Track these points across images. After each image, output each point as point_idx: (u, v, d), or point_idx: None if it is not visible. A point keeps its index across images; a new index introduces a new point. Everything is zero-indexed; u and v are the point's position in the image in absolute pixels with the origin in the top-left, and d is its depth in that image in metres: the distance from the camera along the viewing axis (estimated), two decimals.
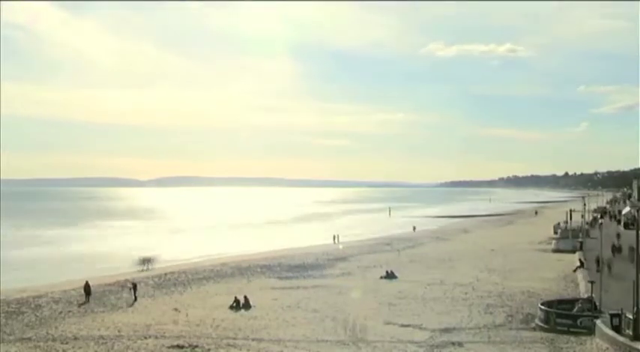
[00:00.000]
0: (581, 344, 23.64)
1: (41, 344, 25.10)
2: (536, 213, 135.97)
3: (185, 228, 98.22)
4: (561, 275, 42.61)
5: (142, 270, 49.57)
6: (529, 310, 29.97)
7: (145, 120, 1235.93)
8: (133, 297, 35.85)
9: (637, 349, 21.11)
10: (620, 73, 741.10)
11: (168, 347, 24.21)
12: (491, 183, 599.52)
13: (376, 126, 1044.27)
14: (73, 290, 37.87)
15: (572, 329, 25.50)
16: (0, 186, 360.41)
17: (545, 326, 26.45)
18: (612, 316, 23.51)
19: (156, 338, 25.83)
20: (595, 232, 61.77)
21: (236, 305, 32.51)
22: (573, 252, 52.47)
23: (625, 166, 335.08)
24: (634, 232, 26.09)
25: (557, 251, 57.44)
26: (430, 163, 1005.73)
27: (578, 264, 43.94)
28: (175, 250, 64.75)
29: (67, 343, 25.19)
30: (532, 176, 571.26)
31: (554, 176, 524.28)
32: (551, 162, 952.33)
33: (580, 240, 56.96)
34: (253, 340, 25.23)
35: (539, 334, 25.69)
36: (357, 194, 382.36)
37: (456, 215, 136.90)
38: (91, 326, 28.57)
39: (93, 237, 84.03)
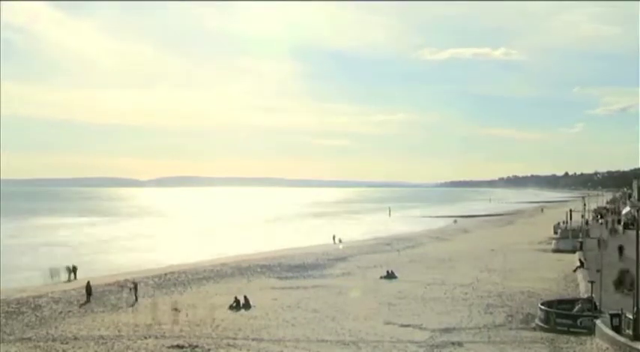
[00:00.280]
0: (581, 344, 23.64)
1: (41, 344, 25.11)
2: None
3: (185, 228, 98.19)
4: (561, 275, 42.62)
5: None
6: (529, 310, 29.97)
7: (145, 120, 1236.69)
8: (134, 297, 35.87)
9: (637, 349, 21.10)
10: (617, 74, 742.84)
11: (169, 347, 24.21)
12: (491, 183, 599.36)
13: (376, 126, 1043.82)
14: (73, 290, 37.88)
15: (572, 329, 25.49)
16: (0, 186, 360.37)
17: (545, 326, 26.45)
18: (612, 316, 23.51)
19: (156, 338, 25.84)
20: (595, 232, 61.90)
21: (236, 305, 32.52)
22: (573, 252, 52.47)
23: (625, 166, 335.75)
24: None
25: (557, 251, 57.47)
26: (430, 163, 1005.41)
27: (578, 263, 43.97)
28: (175, 250, 64.79)
29: (67, 343, 25.20)
30: (532, 176, 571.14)
31: (554, 176, 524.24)
32: (551, 162, 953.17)
33: (580, 240, 56.97)
34: (253, 340, 25.23)
35: (539, 334, 25.69)
36: (357, 194, 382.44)
37: (455, 215, 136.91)
38: (91, 326, 28.59)
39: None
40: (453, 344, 24.08)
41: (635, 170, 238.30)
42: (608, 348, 22.49)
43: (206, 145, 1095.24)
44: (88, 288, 36.03)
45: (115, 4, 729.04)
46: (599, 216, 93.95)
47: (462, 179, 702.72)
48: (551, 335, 25.20)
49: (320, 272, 47.31)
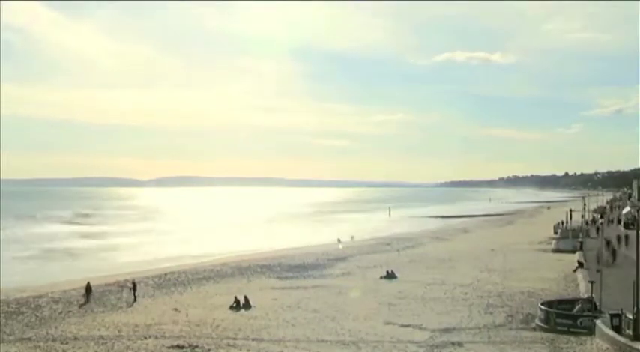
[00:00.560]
0: (581, 344, 23.65)
1: (41, 344, 25.10)
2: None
3: (185, 228, 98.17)
4: (561, 275, 42.61)
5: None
6: (529, 310, 29.97)
7: (145, 120, 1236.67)
8: (133, 297, 35.86)
9: (637, 349, 21.11)
10: (615, 75, 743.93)
11: (169, 347, 24.22)
12: (491, 183, 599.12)
13: (376, 126, 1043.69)
14: (73, 290, 37.86)
15: (572, 329, 25.50)
16: (0, 186, 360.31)
17: (545, 326, 26.46)
18: (612, 316, 23.51)
19: (156, 338, 25.84)
20: (595, 232, 61.97)
21: (236, 305, 32.52)
22: (573, 252, 52.48)
23: (625, 166, 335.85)
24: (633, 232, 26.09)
25: (557, 251, 57.46)
26: (430, 163, 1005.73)
27: (577, 264, 43.95)
28: (175, 250, 64.82)
29: (67, 343, 25.19)
30: (532, 176, 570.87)
31: (554, 176, 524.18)
32: (551, 162, 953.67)
33: (580, 240, 56.98)
34: (253, 340, 25.23)
35: (539, 334, 25.70)
36: (356, 194, 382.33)
37: (456, 215, 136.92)
38: (91, 326, 28.58)
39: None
40: (453, 344, 24.08)
41: (635, 170, 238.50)
42: (608, 348, 22.50)
43: (206, 145, 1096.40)
44: (88, 288, 36.00)
45: (114, 5, 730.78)
46: (599, 216, 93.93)
47: (461, 179, 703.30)
48: (551, 335, 25.20)
49: (320, 272, 47.30)
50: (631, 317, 22.46)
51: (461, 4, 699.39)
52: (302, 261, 53.12)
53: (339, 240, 71.79)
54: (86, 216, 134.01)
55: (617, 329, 22.98)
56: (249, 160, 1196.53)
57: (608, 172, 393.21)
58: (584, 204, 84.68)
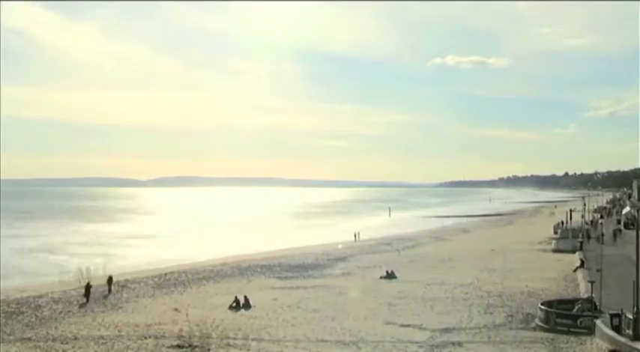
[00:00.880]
0: (581, 344, 23.65)
1: (41, 344, 25.07)
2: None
3: (185, 228, 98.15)
4: (561, 275, 42.61)
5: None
6: (529, 310, 29.96)
7: (145, 120, 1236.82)
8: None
9: (637, 349, 21.11)
10: (613, 75, 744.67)
11: (168, 347, 24.21)
12: (491, 183, 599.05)
13: (376, 127, 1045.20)
14: (73, 290, 37.85)
15: (572, 329, 25.49)
16: (0, 186, 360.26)
17: (545, 326, 26.45)
18: (612, 316, 23.51)
19: (156, 338, 25.83)
20: (595, 232, 61.92)
21: (236, 305, 32.51)
22: (573, 252, 52.49)
23: (625, 166, 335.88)
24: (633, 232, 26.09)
25: (557, 251, 57.44)
26: (430, 163, 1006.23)
27: (579, 263, 43.95)
28: (175, 250, 64.84)
29: (67, 343, 25.17)
30: (532, 176, 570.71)
31: (554, 176, 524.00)
32: (551, 162, 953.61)
33: (580, 240, 56.97)
34: (253, 340, 25.22)
35: (539, 334, 25.69)
36: (357, 194, 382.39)
37: (456, 215, 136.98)
38: (91, 326, 28.56)
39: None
40: (453, 344, 24.07)
41: (635, 170, 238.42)
42: (608, 348, 22.48)
43: (206, 145, 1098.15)
44: (88, 289, 35.98)
45: (114, 5, 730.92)
46: (600, 216, 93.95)
47: (461, 179, 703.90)
48: (551, 335, 25.19)
49: (320, 272, 47.30)
50: (631, 317, 22.46)
51: (459, 7, 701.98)
52: (302, 261, 53.11)
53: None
54: (85, 216, 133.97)
55: (617, 329, 22.98)
56: (248, 160, 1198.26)
57: (608, 172, 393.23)
58: (584, 204, 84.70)
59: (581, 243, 55.20)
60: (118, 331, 27.29)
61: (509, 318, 28.89)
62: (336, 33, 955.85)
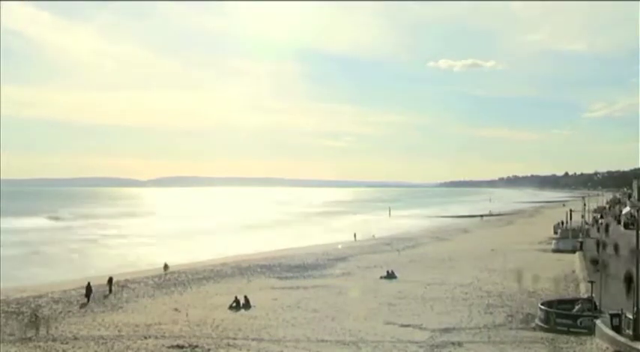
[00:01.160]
0: (581, 344, 23.65)
1: (41, 344, 25.08)
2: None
3: (185, 228, 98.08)
4: (561, 275, 42.59)
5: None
6: (529, 310, 29.98)
7: (145, 120, 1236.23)
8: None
9: (637, 349, 21.11)
10: (612, 76, 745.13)
11: (169, 347, 24.20)
12: (491, 183, 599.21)
13: (376, 127, 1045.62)
14: (73, 290, 37.83)
15: (572, 329, 25.50)
16: (0, 186, 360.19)
17: (545, 326, 26.46)
18: (612, 316, 23.51)
19: (156, 338, 25.83)
20: (595, 232, 61.95)
21: (236, 305, 32.52)
22: (573, 252, 52.49)
23: (625, 166, 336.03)
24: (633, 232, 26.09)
25: (557, 251, 57.46)
26: (430, 163, 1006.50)
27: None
28: (176, 250, 64.82)
29: (67, 343, 25.17)
30: (532, 176, 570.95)
31: (554, 176, 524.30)
32: (552, 162, 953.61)
33: (580, 240, 56.97)
34: (253, 340, 25.23)
35: (539, 334, 25.70)
36: (356, 194, 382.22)
37: (455, 215, 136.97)
38: (91, 326, 28.56)
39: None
40: (453, 344, 24.08)
41: (635, 170, 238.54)
42: (608, 348, 22.48)
43: (206, 145, 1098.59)
44: (89, 289, 35.97)
45: (114, 5, 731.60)
46: (599, 216, 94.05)
47: (462, 179, 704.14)
48: (551, 335, 25.20)
49: (320, 272, 47.30)
50: (631, 317, 22.45)
51: (458, 8, 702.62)
52: (302, 261, 53.11)
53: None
54: (85, 216, 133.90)
55: (617, 329, 22.98)
56: (248, 160, 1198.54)
57: (608, 172, 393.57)
58: (584, 204, 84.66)
59: (581, 243, 55.20)
60: (118, 331, 27.29)
61: (509, 318, 28.90)
62: (335, 33, 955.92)
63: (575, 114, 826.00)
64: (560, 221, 78.57)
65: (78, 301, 34.89)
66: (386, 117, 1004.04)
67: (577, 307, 27.49)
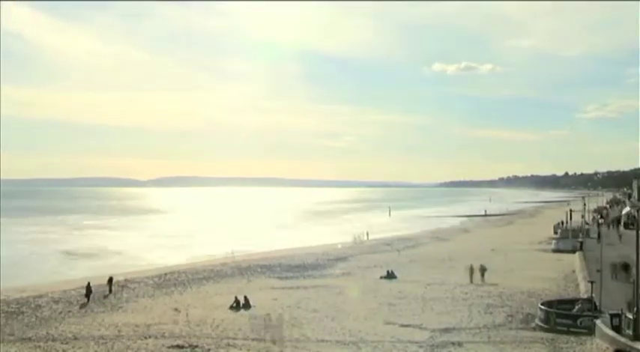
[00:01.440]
0: (581, 344, 23.64)
1: (41, 344, 25.05)
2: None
3: (185, 228, 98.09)
4: (561, 275, 42.60)
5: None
6: (529, 310, 29.96)
7: (145, 120, 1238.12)
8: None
9: (637, 349, 21.10)
10: (610, 76, 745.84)
11: (169, 347, 24.18)
12: (491, 183, 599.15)
13: (376, 127, 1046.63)
14: (73, 290, 37.82)
15: (572, 329, 25.49)
16: (0, 186, 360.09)
17: (545, 326, 26.45)
18: (612, 316, 23.50)
19: (156, 338, 25.81)
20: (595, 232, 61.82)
21: (236, 305, 32.50)
22: (573, 252, 52.46)
23: (625, 166, 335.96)
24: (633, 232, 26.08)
25: (557, 251, 57.44)
26: (430, 163, 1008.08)
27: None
28: (175, 250, 64.84)
29: (67, 343, 25.15)
30: (532, 176, 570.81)
31: (554, 176, 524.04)
32: (552, 162, 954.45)
33: (580, 240, 56.94)
34: (253, 340, 25.21)
35: (539, 334, 25.69)
36: (357, 194, 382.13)
37: (455, 215, 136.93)
38: (91, 326, 28.53)
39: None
40: (453, 344, 24.07)
41: (635, 170, 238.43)
42: (608, 348, 22.48)
43: (206, 145, 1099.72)
44: (89, 289, 35.96)
45: (113, 5, 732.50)
46: (599, 216, 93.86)
47: (462, 179, 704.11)
48: (551, 335, 25.19)
49: (320, 272, 47.27)
50: (631, 317, 22.45)
51: (455, 11, 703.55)
52: (302, 261, 53.08)
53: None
54: (86, 216, 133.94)
55: (617, 329, 22.97)
56: (248, 160, 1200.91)
57: (608, 172, 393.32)
58: (584, 204, 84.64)
59: (582, 243, 55.16)
60: (118, 331, 27.27)
61: (509, 318, 28.89)
62: (335, 34, 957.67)
63: (575, 115, 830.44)
64: (560, 221, 78.53)
65: (78, 301, 34.87)
66: (386, 118, 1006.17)
67: (577, 307, 27.49)
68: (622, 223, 73.37)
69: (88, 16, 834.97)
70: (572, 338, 24.58)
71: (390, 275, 42.91)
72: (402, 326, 27.47)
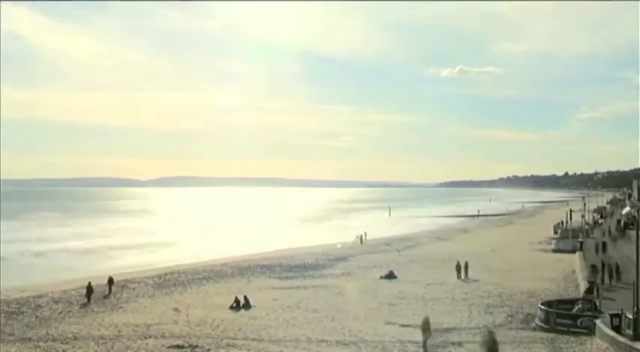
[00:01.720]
0: (581, 344, 23.62)
1: (41, 344, 25.04)
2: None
3: (185, 228, 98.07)
4: (561, 275, 42.61)
5: None
6: (529, 310, 29.96)
7: (145, 121, 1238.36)
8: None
9: (637, 349, 21.08)
10: (615, 75, 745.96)
11: (169, 347, 24.17)
12: (491, 183, 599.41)
13: (376, 127, 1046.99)
14: (73, 290, 37.83)
15: (572, 329, 25.48)
16: (0, 186, 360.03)
17: (545, 326, 26.44)
18: (612, 316, 23.48)
19: (156, 338, 25.80)
20: (595, 232, 61.89)
21: (236, 305, 32.50)
22: (573, 252, 52.46)
23: (625, 166, 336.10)
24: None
25: (557, 251, 57.46)
26: (430, 163, 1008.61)
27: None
28: (176, 250, 64.83)
29: (67, 343, 25.14)
30: (532, 176, 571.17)
31: (554, 176, 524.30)
32: (552, 162, 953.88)
33: (580, 240, 56.95)
34: (253, 340, 25.20)
35: (539, 334, 25.68)
36: (356, 194, 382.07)
37: (455, 215, 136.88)
38: (91, 326, 28.53)
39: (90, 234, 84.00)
40: (453, 344, 24.06)
41: (635, 170, 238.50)
42: (608, 348, 22.46)
43: (206, 145, 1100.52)
44: (89, 289, 35.93)
45: (112, 7, 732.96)
46: (599, 216, 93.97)
47: (462, 179, 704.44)
48: (551, 335, 25.18)
49: (320, 272, 47.27)
50: (631, 317, 22.43)
51: (458, 9, 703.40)
52: (302, 261, 53.09)
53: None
54: (86, 216, 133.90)
55: (617, 329, 22.95)
56: (248, 160, 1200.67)
57: (608, 172, 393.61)
58: (584, 204, 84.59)
59: (581, 243, 55.19)
60: (118, 331, 27.26)
61: (509, 318, 28.89)
62: (334, 35, 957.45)
63: (575, 115, 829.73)
64: (560, 221, 78.53)
65: (78, 301, 34.87)
66: (386, 117, 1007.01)
67: (577, 307, 27.48)
68: (622, 223, 73.35)
69: (88, 17, 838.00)
70: (572, 338, 24.56)
71: (390, 275, 42.90)
72: (402, 326, 27.45)
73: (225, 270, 47.75)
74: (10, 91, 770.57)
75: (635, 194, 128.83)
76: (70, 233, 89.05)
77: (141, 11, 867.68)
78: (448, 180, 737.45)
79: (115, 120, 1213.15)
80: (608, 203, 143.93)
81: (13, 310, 32.17)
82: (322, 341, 24.91)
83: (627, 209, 74.77)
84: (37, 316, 31.00)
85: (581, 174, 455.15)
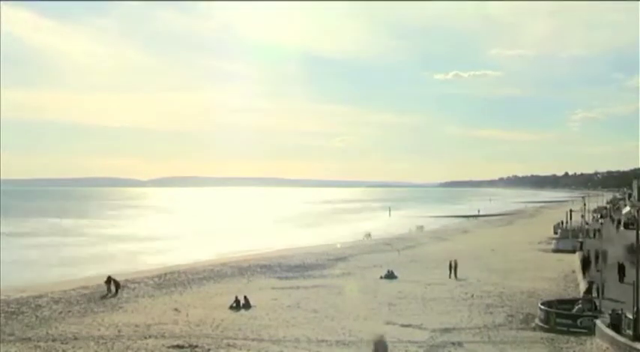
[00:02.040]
0: (581, 344, 23.64)
1: (41, 344, 25.03)
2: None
3: (185, 228, 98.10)
4: (561, 275, 42.60)
5: None
6: (529, 310, 29.96)
7: (145, 121, 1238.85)
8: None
9: (637, 349, 21.09)
10: (615, 75, 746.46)
11: (169, 347, 24.17)
12: (491, 183, 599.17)
13: (376, 127, 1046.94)
14: (73, 290, 37.81)
15: (572, 329, 25.50)
16: (0, 186, 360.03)
17: (545, 326, 26.45)
18: (612, 316, 23.49)
19: (156, 338, 25.80)
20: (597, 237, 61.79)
21: (236, 305, 32.50)
22: (573, 252, 52.47)
23: (625, 166, 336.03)
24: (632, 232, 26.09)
25: (557, 251, 57.46)
26: (430, 163, 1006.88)
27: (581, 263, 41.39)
28: (176, 250, 64.82)
29: (67, 343, 25.14)
30: (532, 176, 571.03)
31: (554, 176, 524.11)
32: (552, 162, 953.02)
33: (580, 240, 56.95)
34: (253, 340, 25.21)
35: (539, 334, 25.69)
36: (356, 194, 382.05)
37: (455, 215, 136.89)
38: (91, 326, 28.52)
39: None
40: (453, 344, 24.06)
41: (635, 170, 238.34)
42: (608, 348, 22.47)
43: (206, 146, 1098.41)
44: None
45: (112, 10, 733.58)
46: (599, 216, 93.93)
47: (462, 179, 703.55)
48: (551, 335, 25.19)
49: (320, 272, 47.26)
50: (631, 317, 22.44)
51: (454, 11, 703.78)
52: (302, 261, 53.06)
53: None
54: (87, 216, 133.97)
55: (617, 329, 22.96)
56: (248, 160, 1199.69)
57: (608, 172, 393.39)
58: (584, 204, 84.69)
59: (582, 242, 55.18)
60: (118, 331, 27.25)
61: (509, 318, 28.88)
62: (334, 36, 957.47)
63: (575, 115, 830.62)
64: (560, 221, 78.52)
65: (78, 301, 34.85)
66: (386, 118, 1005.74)
67: (577, 307, 27.48)
68: (622, 223, 73.44)
69: (88, 18, 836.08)
70: (572, 338, 24.57)
71: (390, 276, 42.90)
72: (402, 326, 27.45)
73: (225, 270, 47.72)
74: (10, 91, 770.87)
75: (635, 194, 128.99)
76: (70, 233, 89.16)
77: (141, 12, 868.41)
78: (448, 180, 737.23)
79: (115, 121, 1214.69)
80: (608, 203, 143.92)
81: (13, 310, 32.13)
82: (322, 341, 24.92)
83: (627, 209, 74.83)
84: (37, 316, 30.97)
85: (581, 174, 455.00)
